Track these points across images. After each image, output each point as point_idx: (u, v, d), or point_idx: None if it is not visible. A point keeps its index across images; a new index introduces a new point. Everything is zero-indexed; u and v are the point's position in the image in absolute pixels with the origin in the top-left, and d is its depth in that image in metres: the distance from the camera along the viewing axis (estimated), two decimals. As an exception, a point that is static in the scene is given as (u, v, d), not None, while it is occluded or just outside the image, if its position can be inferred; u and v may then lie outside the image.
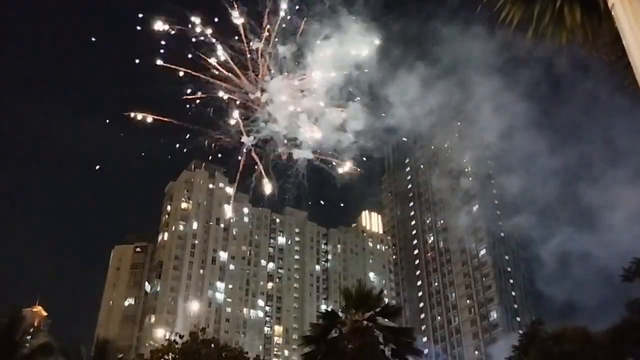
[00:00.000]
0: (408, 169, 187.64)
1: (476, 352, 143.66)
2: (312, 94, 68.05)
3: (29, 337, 37.11)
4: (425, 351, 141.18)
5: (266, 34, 64.36)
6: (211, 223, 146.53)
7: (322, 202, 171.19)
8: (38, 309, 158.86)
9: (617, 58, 8.30)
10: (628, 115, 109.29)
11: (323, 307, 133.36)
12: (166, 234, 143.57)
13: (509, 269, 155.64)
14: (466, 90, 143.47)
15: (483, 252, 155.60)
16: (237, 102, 67.70)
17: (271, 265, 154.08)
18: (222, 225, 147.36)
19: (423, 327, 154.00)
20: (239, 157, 70.70)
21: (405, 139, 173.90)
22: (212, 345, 43.45)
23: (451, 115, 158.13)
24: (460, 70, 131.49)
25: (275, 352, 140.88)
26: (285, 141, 69.23)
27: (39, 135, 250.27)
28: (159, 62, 65.26)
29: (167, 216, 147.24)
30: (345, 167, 69.09)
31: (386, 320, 26.24)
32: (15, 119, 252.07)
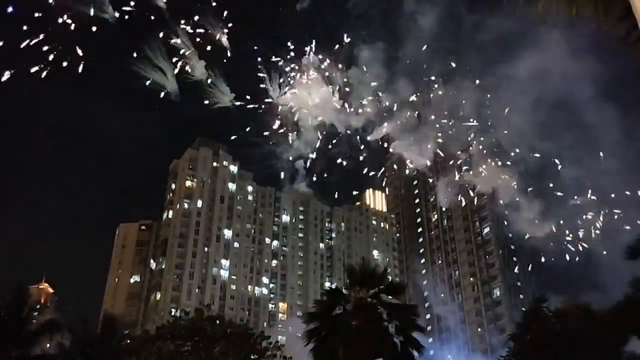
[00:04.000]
0: (412, 146, 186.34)
1: (479, 329, 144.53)
2: None
3: (35, 314, 37.46)
4: (429, 328, 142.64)
5: None
6: (217, 200, 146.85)
7: (326, 179, 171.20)
8: (44, 285, 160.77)
9: (627, 33, 8.15)
10: None
11: (327, 285, 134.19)
12: (171, 212, 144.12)
13: (512, 247, 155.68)
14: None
15: (487, 230, 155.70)
16: None
17: (275, 243, 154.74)
18: (226, 203, 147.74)
19: (426, 305, 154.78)
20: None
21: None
22: (217, 322, 43.81)
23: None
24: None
25: (279, 329, 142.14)
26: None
27: (41, 112, 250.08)
28: None
29: (171, 194, 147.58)
30: None
31: (390, 297, 26.31)
32: (16, 97, 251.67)
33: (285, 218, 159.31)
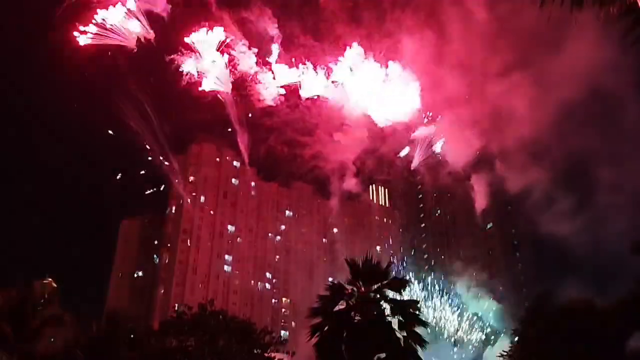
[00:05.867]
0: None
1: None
2: None
3: (39, 309, 37.55)
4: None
5: None
6: (220, 196, 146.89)
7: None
8: (48, 280, 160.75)
9: (630, 28, 8.13)
10: None
11: (330, 280, 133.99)
12: (175, 208, 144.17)
13: (515, 242, 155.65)
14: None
15: (490, 225, 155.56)
16: None
17: (278, 238, 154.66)
18: (230, 199, 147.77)
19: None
20: None
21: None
22: (221, 317, 43.92)
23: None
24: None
25: (282, 324, 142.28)
26: None
27: (45, 106, 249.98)
28: None
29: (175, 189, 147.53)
30: None
31: (393, 292, 26.31)
32: (17, 86, 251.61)
33: (289, 213, 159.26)
